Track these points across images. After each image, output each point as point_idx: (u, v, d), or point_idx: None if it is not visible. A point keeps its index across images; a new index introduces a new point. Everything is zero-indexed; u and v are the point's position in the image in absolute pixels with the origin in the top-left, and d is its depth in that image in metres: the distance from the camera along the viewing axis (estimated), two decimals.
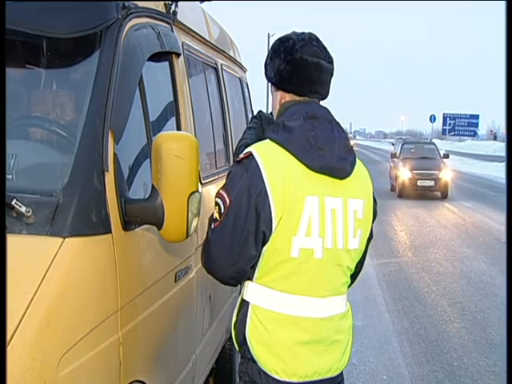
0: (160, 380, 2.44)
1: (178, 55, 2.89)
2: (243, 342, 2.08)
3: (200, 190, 2.14)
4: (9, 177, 2.01)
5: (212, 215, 2.05)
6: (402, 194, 19.07)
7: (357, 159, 2.15)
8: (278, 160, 1.98)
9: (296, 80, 2.10)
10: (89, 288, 1.86)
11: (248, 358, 2.07)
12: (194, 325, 3.00)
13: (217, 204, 2.01)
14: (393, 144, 45.42)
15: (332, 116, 2.13)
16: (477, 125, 61.97)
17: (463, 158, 41.97)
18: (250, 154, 1.99)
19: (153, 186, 2.06)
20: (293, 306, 2.03)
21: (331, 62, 2.14)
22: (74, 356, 1.73)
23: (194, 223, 2.12)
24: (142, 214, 2.09)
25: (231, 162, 4.06)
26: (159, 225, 2.08)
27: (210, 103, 3.66)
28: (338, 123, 2.13)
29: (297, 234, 1.96)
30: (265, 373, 2.03)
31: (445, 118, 61.00)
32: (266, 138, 2.07)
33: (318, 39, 2.14)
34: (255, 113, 2.52)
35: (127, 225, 2.10)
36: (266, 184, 1.93)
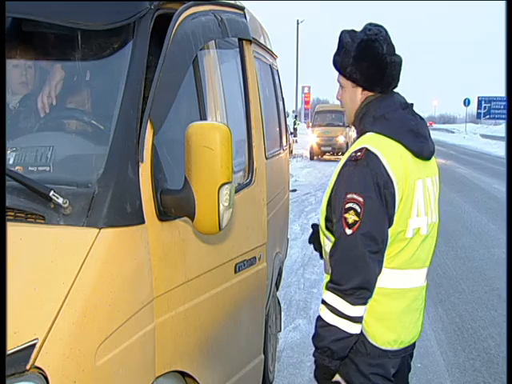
0: (210, 373, 2.41)
1: (250, 42, 2.86)
2: None
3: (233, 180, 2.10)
4: (46, 169, 2.04)
5: (343, 225, 2.08)
6: None
7: None
8: (391, 149, 2.12)
9: (385, 81, 2.23)
10: (124, 278, 1.88)
11: None
12: (261, 322, 2.83)
13: (351, 208, 2.07)
14: None
15: None
16: None
17: (499, 142, 41.06)
18: (366, 150, 2.08)
19: (185, 177, 2.06)
20: (401, 280, 2.20)
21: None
22: (111, 345, 1.76)
23: (227, 215, 2.08)
24: (175, 205, 2.09)
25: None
26: (191, 216, 2.07)
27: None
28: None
29: (411, 216, 2.14)
30: (369, 342, 2.17)
31: (480, 102, 59.69)
32: (366, 132, 2.19)
33: (387, 33, 2.24)
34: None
35: (164, 215, 2.10)
36: (390, 173, 2.06)
